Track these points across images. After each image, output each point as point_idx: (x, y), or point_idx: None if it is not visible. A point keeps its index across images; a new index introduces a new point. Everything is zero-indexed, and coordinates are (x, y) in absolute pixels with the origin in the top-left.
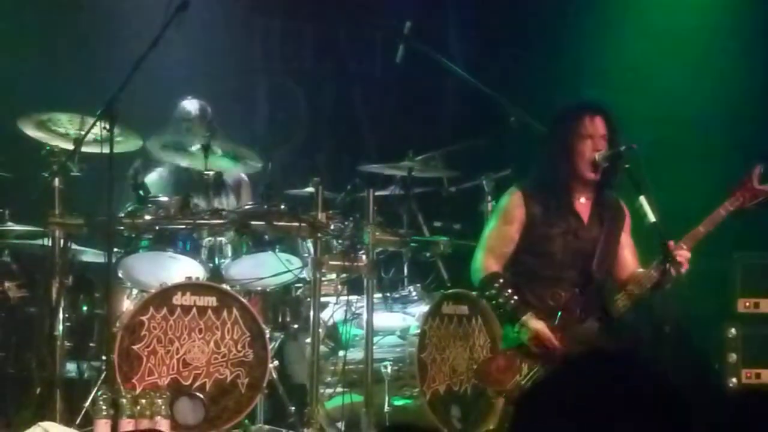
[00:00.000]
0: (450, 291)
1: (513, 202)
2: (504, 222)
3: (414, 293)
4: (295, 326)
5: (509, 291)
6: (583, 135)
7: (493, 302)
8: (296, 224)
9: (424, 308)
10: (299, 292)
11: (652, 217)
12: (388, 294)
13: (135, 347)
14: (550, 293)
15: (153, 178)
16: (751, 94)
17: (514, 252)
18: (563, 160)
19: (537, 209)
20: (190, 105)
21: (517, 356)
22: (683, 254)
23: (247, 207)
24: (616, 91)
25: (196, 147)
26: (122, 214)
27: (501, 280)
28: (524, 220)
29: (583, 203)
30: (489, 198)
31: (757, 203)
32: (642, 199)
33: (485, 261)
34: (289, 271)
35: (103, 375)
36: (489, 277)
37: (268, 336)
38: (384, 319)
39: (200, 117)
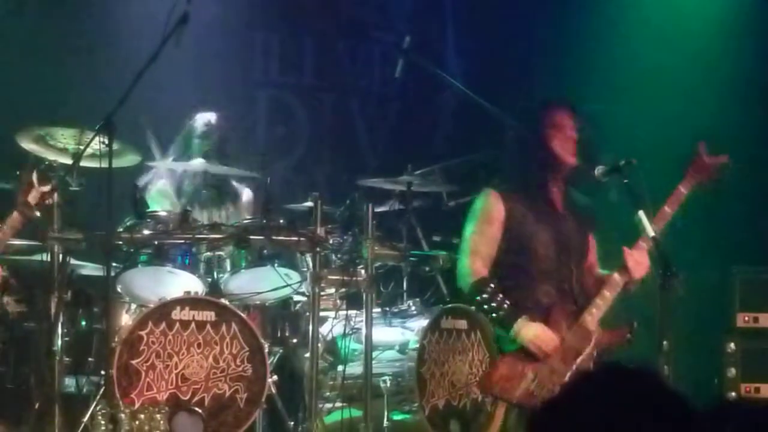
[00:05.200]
0: (449, 305)
1: (490, 202)
2: (485, 223)
3: (413, 308)
4: (294, 341)
5: (500, 296)
6: (556, 125)
7: (485, 307)
8: (295, 238)
9: (423, 323)
10: (298, 306)
11: (651, 232)
12: (387, 308)
13: (134, 362)
14: (541, 291)
15: (158, 187)
16: (755, 96)
17: (497, 253)
18: (540, 150)
19: (516, 207)
20: (210, 116)
21: (517, 361)
22: (637, 259)
23: (245, 221)
24: (619, 103)
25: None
26: (121, 229)
27: (492, 285)
28: (504, 219)
29: (555, 193)
30: None
31: (713, 177)
32: (641, 213)
33: (472, 264)
34: (288, 285)
35: (101, 390)
36: (479, 282)
37: (266, 351)
38: (383, 333)
39: (217, 127)
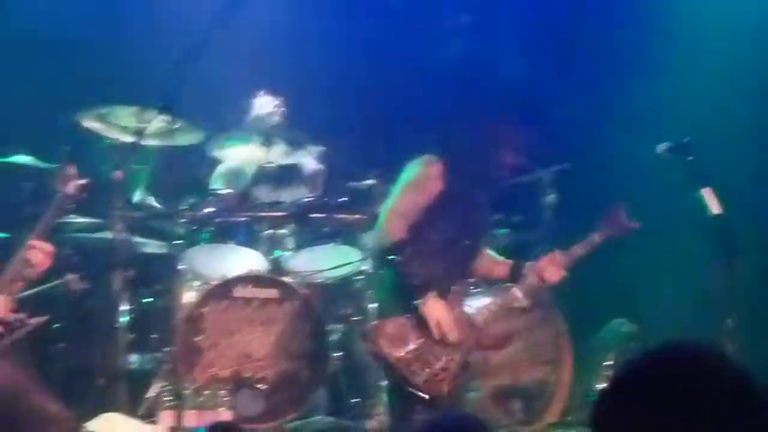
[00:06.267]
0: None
1: (430, 174)
2: (417, 191)
3: (478, 285)
4: (356, 318)
5: (416, 263)
6: (506, 146)
7: (397, 269)
8: (356, 216)
9: (486, 301)
10: (359, 284)
11: (714, 209)
12: None
13: (196, 339)
14: (440, 269)
15: (222, 170)
16: None
17: (417, 223)
18: (487, 164)
19: (450, 186)
20: (271, 99)
21: (406, 326)
22: (551, 268)
23: (306, 199)
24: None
25: (258, 139)
26: (183, 207)
27: (410, 249)
28: (435, 194)
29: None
30: (548, 191)
31: (621, 234)
32: (704, 191)
33: (394, 225)
34: (350, 263)
35: (165, 367)
36: (398, 243)
37: (328, 328)
38: None
39: (278, 109)
